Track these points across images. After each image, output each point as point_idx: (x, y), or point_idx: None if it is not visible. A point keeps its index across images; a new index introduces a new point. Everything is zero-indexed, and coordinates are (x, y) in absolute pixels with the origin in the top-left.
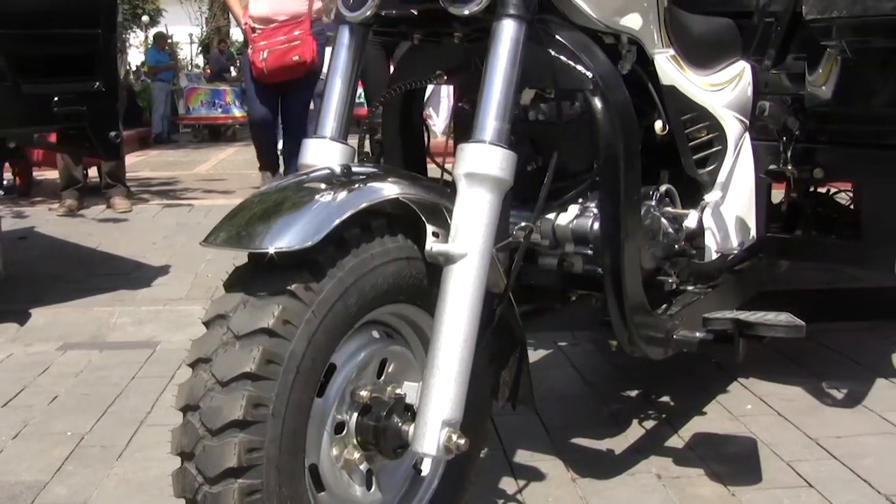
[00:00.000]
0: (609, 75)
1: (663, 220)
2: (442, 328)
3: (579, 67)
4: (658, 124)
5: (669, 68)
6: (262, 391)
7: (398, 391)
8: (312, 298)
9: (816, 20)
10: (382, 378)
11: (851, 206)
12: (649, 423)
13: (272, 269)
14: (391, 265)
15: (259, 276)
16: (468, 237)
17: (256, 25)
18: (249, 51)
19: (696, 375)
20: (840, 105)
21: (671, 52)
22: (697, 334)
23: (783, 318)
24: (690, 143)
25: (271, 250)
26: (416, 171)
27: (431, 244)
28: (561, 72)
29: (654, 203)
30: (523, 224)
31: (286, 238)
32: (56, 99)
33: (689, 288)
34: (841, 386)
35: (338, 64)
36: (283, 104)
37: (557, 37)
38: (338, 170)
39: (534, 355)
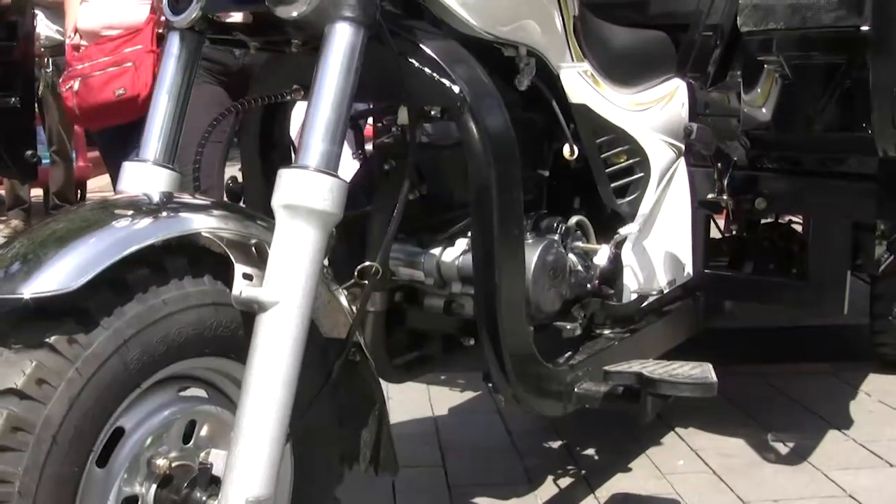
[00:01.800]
0: (482, 92)
1: (572, 256)
2: (249, 388)
3: (444, 82)
4: (567, 148)
5: (580, 85)
6: (6, 465)
7: (207, 460)
8: (78, 353)
9: (752, 32)
10: (192, 443)
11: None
12: (565, 481)
13: (32, 318)
14: (191, 313)
15: (16, 327)
16: (283, 281)
17: (83, 42)
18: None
19: (629, 424)
20: (778, 128)
21: (584, 66)
22: (602, 388)
23: (696, 372)
24: (608, 170)
25: (26, 295)
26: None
27: (241, 289)
28: (423, 87)
29: (557, 237)
30: (367, 263)
31: (45, 280)
32: None
33: (606, 332)
34: (788, 438)
35: (165, 76)
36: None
37: (422, 46)
38: (144, 198)
39: (459, 397)
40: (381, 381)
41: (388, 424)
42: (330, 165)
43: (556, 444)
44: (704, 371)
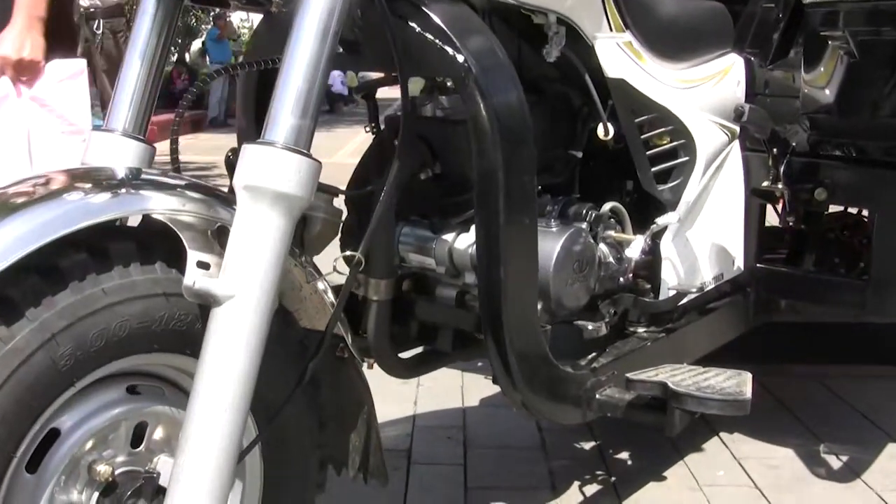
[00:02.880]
0: (491, 63)
1: (603, 246)
2: (198, 392)
3: (448, 50)
4: (601, 127)
5: (618, 58)
6: None
7: (155, 467)
8: None
9: (816, 4)
10: (144, 447)
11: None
12: (592, 489)
13: None
14: (137, 304)
15: None
16: (241, 272)
17: None
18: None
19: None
20: (841, 112)
21: (625, 37)
22: (626, 396)
23: (730, 385)
24: (649, 152)
25: None
26: None
27: (194, 279)
28: (425, 56)
29: (585, 225)
30: (348, 252)
31: None
32: None
33: (640, 332)
34: (843, 451)
35: (138, 38)
36: None
37: (425, 9)
38: (100, 173)
39: (494, 387)
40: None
41: (376, 429)
42: (300, 142)
43: (588, 446)
44: (740, 384)
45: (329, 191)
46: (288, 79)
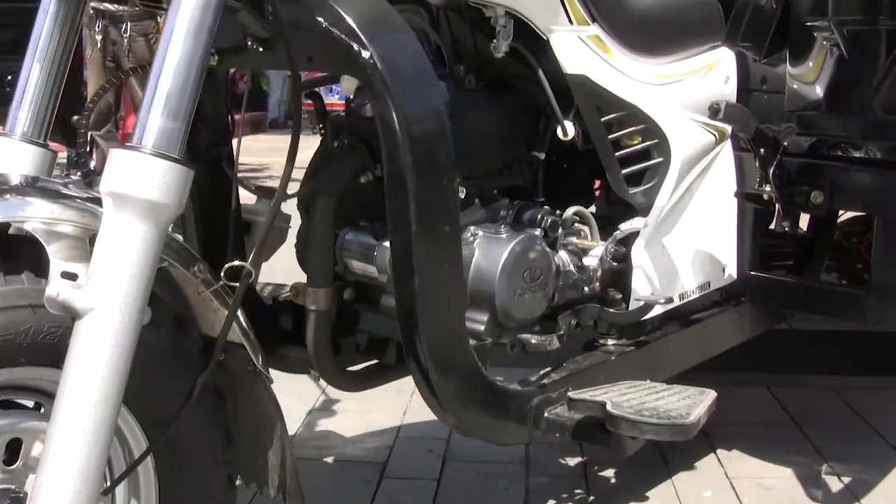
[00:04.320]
0: (401, 60)
1: (563, 254)
2: (59, 408)
3: (354, 46)
4: (567, 125)
5: (579, 52)
6: None
7: (23, 488)
8: None
9: None
10: (21, 464)
11: None
12: None
13: None
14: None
15: None
16: (104, 284)
17: None
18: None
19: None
20: (830, 109)
21: (589, 31)
22: (576, 415)
23: (678, 407)
24: (619, 153)
25: None
26: (215, 176)
27: (57, 290)
28: (332, 53)
29: (540, 231)
30: (237, 263)
31: None
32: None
33: (608, 345)
34: (845, 471)
35: (38, 38)
36: None
37: (333, 4)
38: None
39: None
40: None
41: (290, 448)
42: (170, 146)
43: (573, 462)
44: (691, 406)
45: (266, 194)
46: (157, 80)
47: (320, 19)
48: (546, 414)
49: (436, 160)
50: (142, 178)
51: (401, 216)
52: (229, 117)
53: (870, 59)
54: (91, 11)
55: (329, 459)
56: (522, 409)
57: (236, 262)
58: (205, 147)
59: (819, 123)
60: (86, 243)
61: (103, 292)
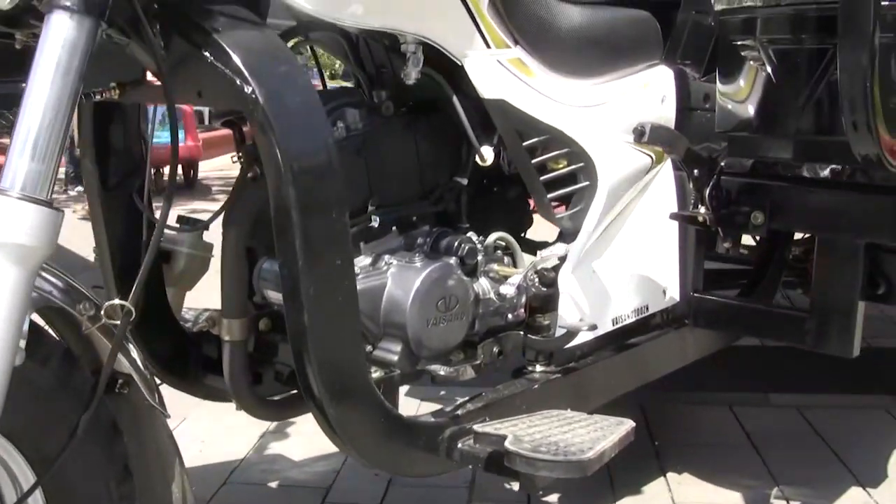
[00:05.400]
0: (285, 95)
1: (483, 281)
2: None
3: (237, 81)
4: (485, 151)
5: (496, 77)
6: None
7: None
8: None
9: (728, 11)
10: None
11: None
12: None
13: None
14: None
15: None
16: None
17: None
18: None
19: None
20: (758, 129)
21: (509, 53)
22: (488, 448)
23: (578, 442)
24: (544, 177)
25: None
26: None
27: None
28: (218, 87)
29: (455, 260)
30: (117, 301)
31: None
32: None
33: (534, 373)
34: (797, 495)
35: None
36: None
37: (217, 37)
38: None
39: None
40: None
41: (187, 484)
42: (37, 188)
43: (517, 485)
44: (596, 440)
45: (189, 223)
46: (23, 121)
47: (206, 54)
48: (459, 445)
49: (322, 195)
50: (9, 222)
51: (288, 251)
52: (143, 147)
53: (798, 79)
54: None
55: (273, 484)
56: (433, 440)
57: (116, 301)
58: (116, 179)
59: (750, 146)
60: None
61: None
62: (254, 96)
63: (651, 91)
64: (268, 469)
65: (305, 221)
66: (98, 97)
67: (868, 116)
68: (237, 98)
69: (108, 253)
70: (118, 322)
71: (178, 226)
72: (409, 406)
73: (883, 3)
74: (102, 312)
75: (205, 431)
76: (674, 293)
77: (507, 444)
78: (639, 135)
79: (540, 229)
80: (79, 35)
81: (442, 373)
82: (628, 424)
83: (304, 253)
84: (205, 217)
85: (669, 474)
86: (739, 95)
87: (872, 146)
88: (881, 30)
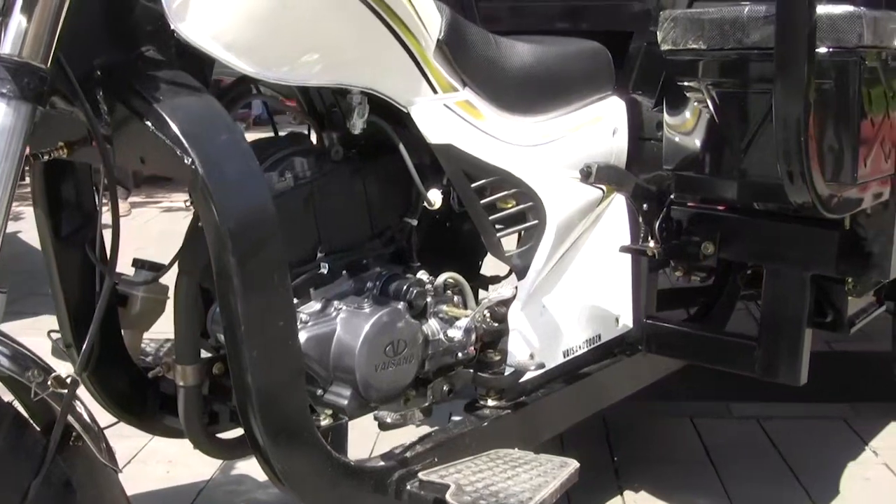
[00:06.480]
0: (225, 163)
1: (433, 322)
2: None
3: (177, 151)
4: (432, 195)
5: (443, 121)
6: None
7: None
8: None
9: (674, 52)
10: None
11: None
12: None
13: None
14: None
15: None
16: None
17: None
18: None
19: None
20: (703, 168)
21: (458, 97)
22: (433, 496)
23: (522, 490)
24: (493, 216)
25: None
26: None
27: None
28: (160, 156)
29: (403, 304)
30: (62, 373)
31: None
32: None
33: (486, 409)
34: None
35: None
36: None
37: (157, 107)
38: None
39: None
40: None
41: None
42: None
43: None
44: (539, 487)
45: (148, 267)
46: None
47: (148, 123)
48: (407, 487)
49: (263, 263)
50: None
51: (231, 317)
52: (96, 199)
53: (740, 122)
54: None
55: None
56: (382, 484)
57: (62, 372)
58: (69, 230)
59: (695, 186)
60: None
61: None
62: (193, 166)
63: (602, 124)
64: (234, 490)
65: (247, 289)
66: (46, 157)
67: (803, 166)
68: (177, 167)
69: (63, 299)
70: (66, 391)
71: (130, 276)
72: (364, 441)
73: (819, 50)
74: (49, 383)
75: (172, 452)
76: (627, 320)
77: (448, 496)
78: (585, 175)
79: (495, 261)
80: (16, 121)
81: (389, 420)
82: (571, 466)
83: (245, 319)
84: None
85: (627, 492)
86: (686, 129)
87: (807, 195)
88: (818, 76)
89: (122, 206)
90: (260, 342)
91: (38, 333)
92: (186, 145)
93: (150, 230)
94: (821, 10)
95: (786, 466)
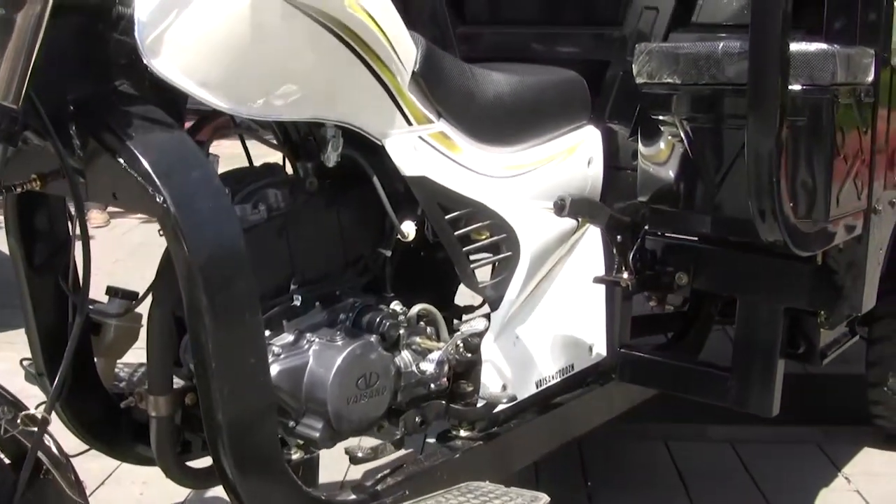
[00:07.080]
0: (196, 201)
1: (406, 354)
2: None
3: (149, 189)
4: (406, 227)
5: (418, 154)
6: None
7: None
8: None
9: (648, 85)
10: None
11: None
12: None
13: None
14: None
15: None
16: None
17: None
18: None
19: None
20: (677, 202)
21: (434, 128)
22: None
23: None
24: (467, 248)
25: None
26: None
27: None
28: (133, 194)
29: (375, 338)
30: (33, 412)
31: None
32: None
33: (458, 440)
34: None
35: None
36: None
37: (129, 144)
38: None
39: None
40: None
41: None
42: None
43: None
44: None
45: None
46: None
47: (120, 160)
48: None
49: (234, 301)
50: None
51: (202, 354)
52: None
53: (714, 157)
54: None
55: None
56: None
57: (32, 411)
58: (41, 260)
59: (668, 220)
60: None
61: None
62: (165, 205)
63: (577, 154)
64: None
65: (218, 326)
66: (19, 189)
67: (774, 204)
68: (149, 204)
69: (35, 328)
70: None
71: (104, 304)
72: (336, 466)
73: (792, 87)
74: (19, 421)
75: (146, 473)
76: (600, 349)
77: None
78: (559, 209)
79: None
80: None
81: (360, 454)
82: (542, 501)
83: (216, 356)
84: None
85: None
86: (660, 160)
87: (778, 233)
88: (791, 113)
89: (101, 216)
90: (230, 379)
91: (9, 348)
92: (158, 183)
93: (128, 241)
94: (794, 47)
95: (758, 492)
